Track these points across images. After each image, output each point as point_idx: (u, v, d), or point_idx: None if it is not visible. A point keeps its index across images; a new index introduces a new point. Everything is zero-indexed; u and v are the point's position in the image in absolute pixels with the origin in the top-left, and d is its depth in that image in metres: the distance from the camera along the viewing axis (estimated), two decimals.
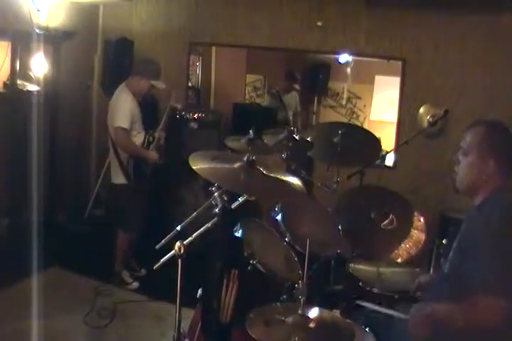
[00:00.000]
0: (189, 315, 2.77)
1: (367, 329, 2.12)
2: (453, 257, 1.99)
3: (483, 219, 1.88)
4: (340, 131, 3.16)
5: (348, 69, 6.10)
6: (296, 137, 3.19)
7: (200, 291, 2.59)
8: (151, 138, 3.99)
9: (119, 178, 3.96)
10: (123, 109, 3.84)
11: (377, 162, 4.27)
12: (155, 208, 4.58)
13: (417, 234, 2.93)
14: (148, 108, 4.34)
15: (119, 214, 4.21)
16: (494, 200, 1.90)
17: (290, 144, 3.19)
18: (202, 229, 2.12)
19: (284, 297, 2.45)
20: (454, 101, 4.27)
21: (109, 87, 4.10)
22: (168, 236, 2.31)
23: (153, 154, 3.95)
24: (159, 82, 3.97)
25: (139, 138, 3.94)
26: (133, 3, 5.27)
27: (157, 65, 4.02)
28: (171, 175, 4.71)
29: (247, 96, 6.50)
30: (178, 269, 1.93)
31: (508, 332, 1.76)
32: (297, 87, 6.03)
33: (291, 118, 5.94)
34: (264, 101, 6.24)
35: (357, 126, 4.29)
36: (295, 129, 3.24)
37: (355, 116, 6.51)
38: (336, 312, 2.31)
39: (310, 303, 1.91)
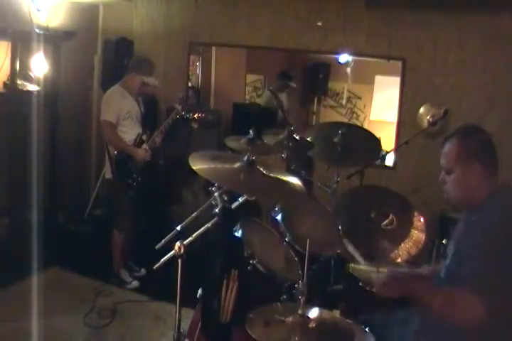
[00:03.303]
0: (189, 315, 2.77)
1: (367, 329, 2.11)
2: (450, 263, 1.98)
3: (482, 221, 1.88)
4: (340, 131, 3.16)
5: (348, 69, 6.09)
6: (296, 137, 3.18)
7: (200, 291, 2.59)
8: (144, 137, 4.00)
9: (108, 173, 4.02)
10: (109, 103, 3.92)
11: (377, 162, 4.27)
12: (155, 208, 4.58)
13: (417, 234, 2.93)
14: (149, 108, 4.34)
15: (112, 211, 4.25)
16: (492, 201, 1.89)
17: (290, 144, 3.19)
18: (202, 229, 2.12)
19: (284, 297, 2.45)
20: (454, 101, 4.27)
21: (109, 87, 4.11)
22: (168, 236, 2.31)
23: (141, 152, 3.94)
24: (152, 79, 4.00)
25: (130, 134, 3.95)
26: (133, 3, 5.27)
27: (150, 62, 4.06)
28: (171, 175, 4.72)
29: (247, 96, 6.50)
30: (178, 269, 1.93)
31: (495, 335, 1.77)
32: (293, 84, 6.00)
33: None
34: (261, 100, 6.21)
35: (357, 126, 4.29)
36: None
37: (355, 116, 6.51)
38: (336, 312, 2.31)
39: (310, 303, 1.91)
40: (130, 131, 3.96)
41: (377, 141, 3.37)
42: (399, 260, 2.88)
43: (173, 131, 4.23)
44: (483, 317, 1.67)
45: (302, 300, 1.80)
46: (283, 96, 5.96)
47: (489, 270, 1.74)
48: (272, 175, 2.16)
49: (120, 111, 3.89)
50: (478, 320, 1.69)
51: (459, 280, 1.82)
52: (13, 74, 4.30)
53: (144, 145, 3.98)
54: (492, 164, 1.94)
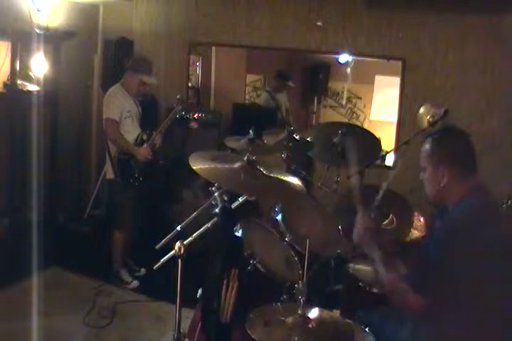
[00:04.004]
0: (189, 315, 2.77)
1: (367, 329, 2.11)
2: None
3: (447, 222, 1.96)
4: (340, 131, 3.16)
5: (348, 69, 6.08)
6: (296, 137, 3.19)
7: (200, 291, 2.59)
8: (144, 137, 4.00)
9: (109, 173, 4.02)
10: (111, 101, 3.93)
11: (377, 162, 4.27)
12: (155, 208, 4.58)
13: (417, 234, 2.93)
14: (149, 108, 4.34)
15: (112, 211, 4.25)
16: (463, 203, 1.94)
17: (290, 144, 3.19)
18: (202, 229, 2.12)
19: (284, 297, 2.45)
20: (454, 101, 4.27)
21: (109, 87, 4.11)
22: (168, 236, 2.31)
23: (142, 151, 3.94)
24: (150, 78, 3.99)
25: (131, 134, 3.96)
26: (133, 3, 5.27)
27: (148, 61, 4.07)
28: (171, 175, 4.72)
29: (247, 96, 6.49)
30: (178, 269, 1.93)
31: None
32: (291, 84, 5.99)
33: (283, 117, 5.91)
34: (260, 101, 6.21)
35: (357, 126, 4.28)
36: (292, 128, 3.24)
37: (355, 116, 6.51)
38: (336, 312, 2.31)
39: (310, 303, 1.91)
40: (131, 131, 3.96)
41: (377, 141, 3.37)
42: None
43: (173, 131, 4.23)
44: (421, 308, 1.81)
45: (302, 300, 1.81)
46: (283, 96, 5.97)
47: (438, 266, 1.82)
48: (272, 175, 2.16)
49: (122, 110, 3.90)
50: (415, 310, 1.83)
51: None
52: (13, 74, 4.30)
53: (145, 145, 3.98)
54: (464, 169, 1.97)
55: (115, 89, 3.98)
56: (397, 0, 4.41)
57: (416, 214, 2.99)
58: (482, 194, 1.97)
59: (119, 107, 3.90)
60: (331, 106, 6.57)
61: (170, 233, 2.32)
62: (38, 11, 4.27)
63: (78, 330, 3.34)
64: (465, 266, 1.79)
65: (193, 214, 2.32)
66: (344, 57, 5.53)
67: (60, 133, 4.89)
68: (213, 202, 2.15)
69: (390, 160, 4.78)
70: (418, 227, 2.97)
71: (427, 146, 2.03)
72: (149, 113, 4.34)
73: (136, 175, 3.97)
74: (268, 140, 3.26)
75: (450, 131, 2.12)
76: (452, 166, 1.95)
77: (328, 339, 1.80)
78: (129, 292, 3.96)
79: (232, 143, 3.08)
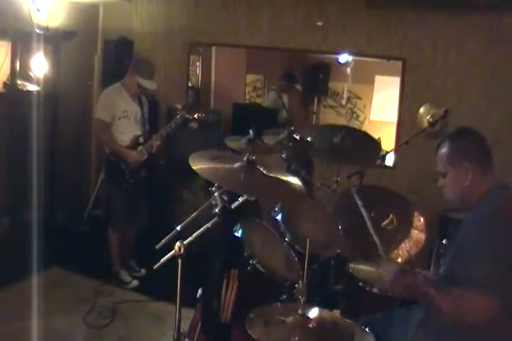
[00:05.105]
0: (189, 315, 2.77)
1: (367, 329, 2.11)
2: (448, 261, 2.01)
3: (476, 218, 1.92)
4: (340, 134, 3.15)
5: (348, 69, 6.09)
6: (296, 137, 3.19)
7: (200, 291, 2.59)
8: (141, 139, 3.95)
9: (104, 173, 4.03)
10: (104, 101, 3.90)
11: (377, 162, 4.27)
12: (155, 208, 4.58)
13: (417, 234, 2.93)
14: (148, 108, 4.34)
15: (108, 211, 4.26)
16: (486, 199, 1.93)
17: (290, 144, 3.19)
18: (202, 229, 2.12)
19: (284, 297, 2.45)
20: (454, 101, 4.27)
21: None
22: (168, 236, 2.31)
23: (133, 154, 3.88)
24: (149, 82, 3.91)
25: (127, 135, 3.91)
26: (133, 3, 5.27)
27: (150, 64, 4.00)
28: (171, 175, 4.72)
29: (247, 96, 6.49)
30: (178, 269, 1.93)
31: (497, 331, 1.77)
32: (298, 87, 6.01)
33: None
34: (266, 100, 6.21)
35: (356, 129, 4.27)
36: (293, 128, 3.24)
37: (355, 116, 6.50)
38: (336, 312, 2.31)
39: (310, 303, 1.91)
40: (127, 132, 3.91)
41: (376, 143, 3.37)
42: (399, 260, 2.88)
43: (173, 131, 4.23)
44: (495, 315, 1.69)
45: (302, 300, 1.81)
46: (284, 97, 5.98)
47: (492, 266, 1.75)
48: (271, 175, 2.16)
49: (116, 111, 3.84)
50: (490, 318, 1.70)
51: (455, 280, 1.83)
52: (13, 74, 4.30)
53: (140, 148, 3.93)
54: (483, 163, 1.98)
55: (112, 89, 3.93)
56: (397, 0, 4.41)
57: (416, 214, 2.98)
58: (506, 188, 1.97)
59: (112, 107, 3.84)
60: (331, 106, 6.57)
61: (170, 233, 2.32)
62: (38, 11, 4.27)
63: (78, 330, 3.34)
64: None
65: (193, 214, 2.32)
66: (344, 57, 5.53)
67: (60, 133, 4.90)
68: (213, 202, 2.15)
69: (389, 160, 4.80)
70: (418, 227, 2.97)
71: (443, 150, 2.02)
72: (149, 113, 4.33)
73: (127, 177, 3.91)
74: (268, 140, 3.25)
75: (460, 130, 2.10)
76: (474, 161, 1.95)
77: (328, 339, 1.80)
78: (129, 292, 3.96)
79: (232, 143, 3.08)
